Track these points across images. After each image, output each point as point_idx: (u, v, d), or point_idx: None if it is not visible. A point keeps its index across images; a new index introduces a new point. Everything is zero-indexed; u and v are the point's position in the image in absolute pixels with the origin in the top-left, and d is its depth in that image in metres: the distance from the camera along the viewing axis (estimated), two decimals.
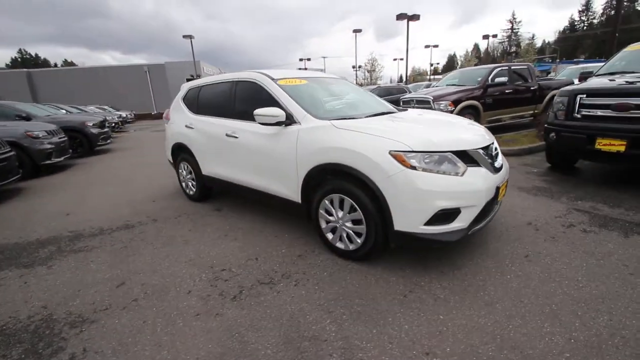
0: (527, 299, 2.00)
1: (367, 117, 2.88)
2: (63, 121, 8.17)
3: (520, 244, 2.68)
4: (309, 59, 40.76)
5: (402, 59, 48.72)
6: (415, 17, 20.44)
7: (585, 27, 64.49)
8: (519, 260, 2.44)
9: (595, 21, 62.19)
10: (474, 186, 2.17)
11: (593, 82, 4.20)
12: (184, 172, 4.28)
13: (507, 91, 7.99)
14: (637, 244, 2.56)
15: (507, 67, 8.24)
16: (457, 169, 2.16)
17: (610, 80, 4.13)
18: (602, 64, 5.20)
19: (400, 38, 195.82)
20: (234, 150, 3.31)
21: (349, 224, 2.46)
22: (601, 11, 62.02)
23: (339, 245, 2.59)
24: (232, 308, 2.09)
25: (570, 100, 4.13)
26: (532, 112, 8.58)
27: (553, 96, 8.95)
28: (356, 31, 28.65)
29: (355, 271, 2.41)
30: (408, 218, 2.15)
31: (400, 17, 20.52)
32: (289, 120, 2.77)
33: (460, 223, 2.17)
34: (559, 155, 4.71)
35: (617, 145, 3.63)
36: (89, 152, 8.88)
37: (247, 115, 3.24)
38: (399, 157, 2.13)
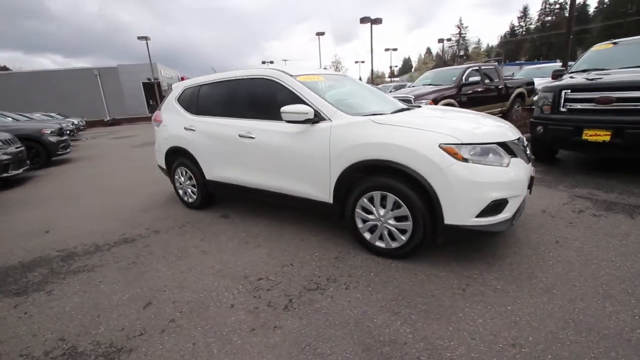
0: (578, 282, 2.08)
1: (392, 113, 2.85)
2: (17, 129, 7.25)
3: (546, 230, 2.79)
4: (271, 62, 40.26)
5: (363, 62, 50.00)
6: (377, 21, 21.07)
7: (523, 32, 70.73)
8: (552, 246, 2.53)
9: (532, 27, 68.51)
10: (517, 176, 2.22)
11: (575, 79, 4.54)
12: (182, 178, 3.96)
13: (479, 90, 8.46)
14: None
15: (477, 67, 8.73)
16: (503, 160, 2.19)
17: (588, 76, 4.51)
18: (552, 63, 5.68)
19: (357, 41, 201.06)
20: (250, 151, 3.11)
21: (392, 222, 2.40)
22: (537, 17, 68.45)
23: (379, 244, 2.52)
24: (288, 319, 1.93)
25: (555, 95, 4.42)
26: (500, 109, 9.16)
27: (518, 94, 9.70)
28: (319, 34, 28.84)
29: (401, 269, 2.36)
30: (460, 211, 2.14)
31: (363, 20, 21.02)
32: (317, 117, 2.65)
33: (506, 213, 2.20)
34: (544, 148, 5.04)
35: (602, 136, 3.95)
36: (46, 162, 7.96)
37: (263, 114, 3.08)
38: (450, 150, 2.11)
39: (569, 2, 9.29)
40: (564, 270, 2.20)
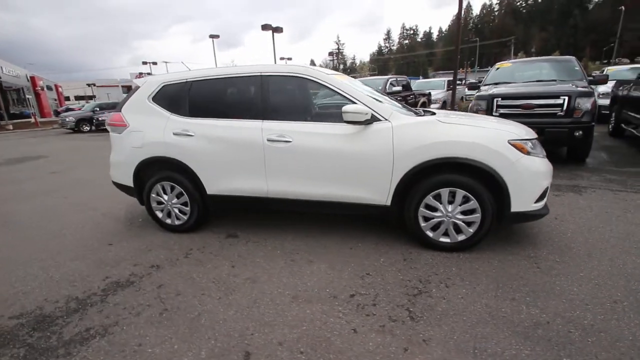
0: (592, 243, 2.61)
1: (422, 115, 2.98)
2: None
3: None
4: (154, 63, 35.79)
5: None
6: (279, 30, 21.33)
7: (388, 51, 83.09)
8: (553, 222, 3.10)
9: (394, 47, 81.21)
10: (550, 166, 2.65)
11: (502, 88, 5.62)
12: (167, 196, 3.18)
13: (398, 98, 9.54)
14: (625, 199, 3.68)
15: (395, 79, 9.86)
16: (543, 153, 2.59)
17: (506, 87, 5.67)
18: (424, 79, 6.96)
19: (242, 48, 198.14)
20: (284, 157, 2.75)
21: (459, 216, 2.52)
22: (397, 40, 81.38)
23: (443, 239, 2.61)
24: (428, 329, 1.82)
25: (489, 102, 5.40)
26: None
27: (422, 102, 11.34)
28: (213, 36, 27.15)
29: (474, 260, 2.49)
30: (524, 199, 2.42)
31: (265, 27, 20.92)
32: (372, 118, 2.57)
33: (545, 199, 2.60)
34: None
35: None
36: None
37: (297, 115, 2.80)
38: (518, 145, 2.37)
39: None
40: (577, 236, 2.74)
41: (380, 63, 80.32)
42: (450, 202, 2.52)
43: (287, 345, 1.74)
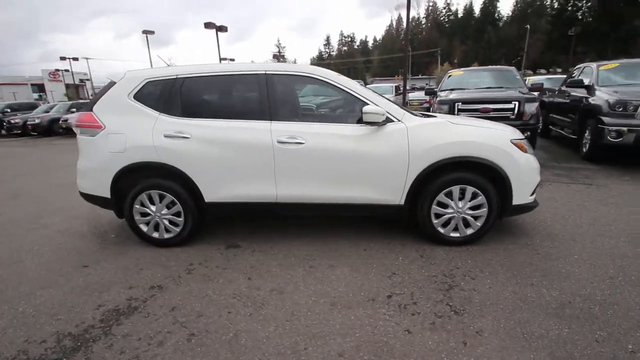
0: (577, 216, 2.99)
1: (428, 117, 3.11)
2: None
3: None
4: (75, 59, 31.56)
5: None
6: (223, 29, 20.45)
7: (328, 56, 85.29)
8: (560, 210, 3.46)
9: (334, 53, 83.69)
10: (538, 163, 2.96)
11: (462, 94, 6.11)
12: (154, 207, 2.81)
13: None
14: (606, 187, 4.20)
15: (361, 83, 10.15)
16: (533, 150, 2.88)
17: (464, 93, 6.20)
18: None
19: (174, 47, 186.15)
20: (295, 159, 2.63)
21: (469, 211, 2.67)
22: (337, 46, 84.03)
23: (453, 234, 2.74)
24: (475, 320, 1.88)
25: (451, 106, 5.85)
26: None
27: None
28: (147, 32, 24.94)
29: (485, 252, 2.65)
30: (523, 192, 2.66)
31: (208, 25, 19.87)
32: (386, 119, 2.60)
33: (535, 192, 2.89)
34: None
35: None
36: None
37: (307, 116, 2.71)
38: (519, 144, 2.60)
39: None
40: (555, 224, 3.11)
41: (322, 67, 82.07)
42: (460, 199, 2.66)
43: (349, 356, 1.66)
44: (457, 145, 2.56)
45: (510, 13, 70.54)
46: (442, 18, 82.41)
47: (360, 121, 2.60)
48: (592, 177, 4.62)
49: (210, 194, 2.77)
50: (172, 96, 2.77)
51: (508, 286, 2.20)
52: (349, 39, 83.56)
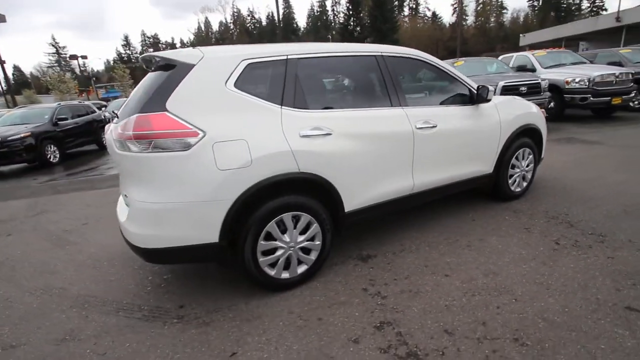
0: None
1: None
2: None
3: None
4: None
5: None
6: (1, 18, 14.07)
7: (128, 58, 73.27)
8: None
9: (137, 55, 72.63)
10: None
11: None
12: (288, 236, 2.03)
13: None
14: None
15: None
16: None
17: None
18: None
19: None
20: (429, 144, 2.52)
21: (526, 168, 3.33)
22: (140, 48, 73.39)
23: (518, 189, 3.35)
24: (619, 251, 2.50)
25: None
26: None
27: None
28: None
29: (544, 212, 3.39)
30: (544, 148, 3.57)
31: None
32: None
33: None
34: None
35: None
36: None
37: (426, 100, 2.66)
38: (542, 111, 3.46)
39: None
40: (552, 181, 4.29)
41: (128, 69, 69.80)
42: (523, 159, 3.28)
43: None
44: (526, 116, 3.16)
45: (305, 25, 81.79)
46: (248, 24, 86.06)
47: (472, 101, 2.76)
48: None
49: (351, 201, 2.27)
50: (288, 83, 2.05)
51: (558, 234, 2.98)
52: (154, 40, 74.62)
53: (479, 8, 67.94)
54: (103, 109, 11.50)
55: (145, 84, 2.05)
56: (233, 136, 1.82)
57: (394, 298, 2.01)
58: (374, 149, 2.28)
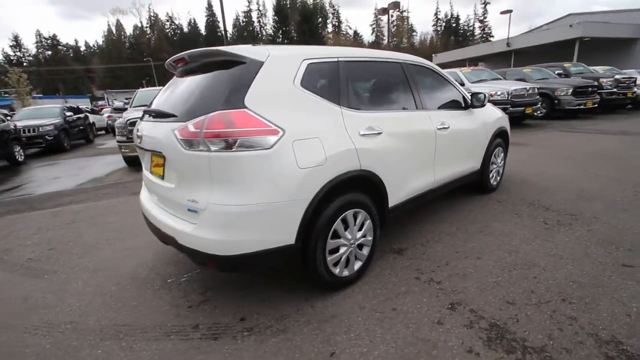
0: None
1: None
2: None
3: None
4: None
5: None
6: None
7: (18, 61, 62.12)
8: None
9: (31, 58, 62.03)
10: None
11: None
12: (350, 232, 2.06)
13: None
14: None
15: None
16: None
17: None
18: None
19: None
20: (445, 143, 2.81)
21: (501, 163, 3.90)
22: (35, 50, 62.90)
23: (494, 183, 3.88)
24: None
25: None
26: None
27: None
28: None
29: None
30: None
31: None
32: None
33: None
34: None
35: None
36: None
37: (436, 103, 2.94)
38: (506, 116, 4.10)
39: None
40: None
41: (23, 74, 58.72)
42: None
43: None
44: (500, 119, 3.71)
45: (231, 34, 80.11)
46: (167, 30, 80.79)
47: (466, 106, 3.16)
48: None
49: (394, 196, 2.41)
50: (342, 84, 2.12)
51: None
52: (53, 42, 64.55)
53: (393, 29, 75.36)
54: (9, 118, 9.57)
55: (199, 82, 1.92)
56: (309, 134, 1.81)
57: (448, 282, 2.19)
58: (411, 148, 2.47)
